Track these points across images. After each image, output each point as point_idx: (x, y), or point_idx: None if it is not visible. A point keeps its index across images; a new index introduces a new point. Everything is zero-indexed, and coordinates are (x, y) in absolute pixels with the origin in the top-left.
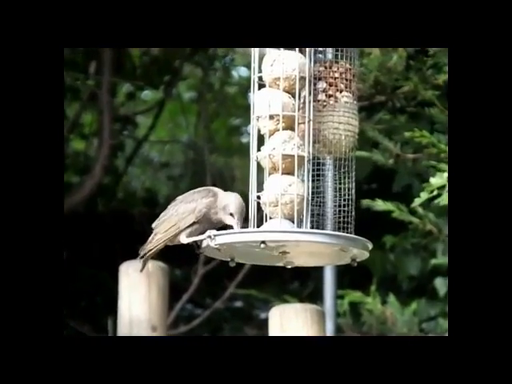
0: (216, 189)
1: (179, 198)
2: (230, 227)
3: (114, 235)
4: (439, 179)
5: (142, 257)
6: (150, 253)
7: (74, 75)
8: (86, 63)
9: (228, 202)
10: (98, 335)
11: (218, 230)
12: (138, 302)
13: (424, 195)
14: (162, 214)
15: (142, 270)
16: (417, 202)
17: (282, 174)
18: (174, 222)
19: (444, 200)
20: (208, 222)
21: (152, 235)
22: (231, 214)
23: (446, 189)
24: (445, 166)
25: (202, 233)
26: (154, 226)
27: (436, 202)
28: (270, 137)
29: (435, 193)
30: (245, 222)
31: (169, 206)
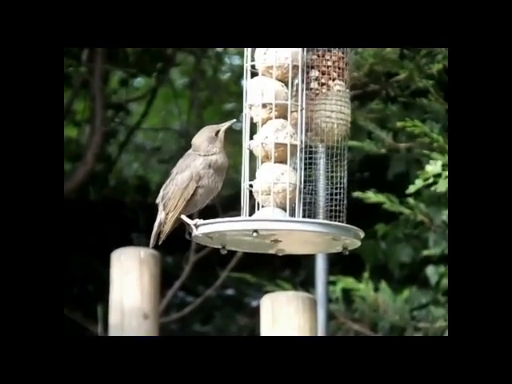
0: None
1: (173, 170)
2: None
3: (106, 223)
4: (434, 167)
5: (158, 238)
6: (167, 231)
7: (67, 62)
8: (78, 50)
9: (199, 139)
10: (90, 322)
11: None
12: (130, 289)
13: (419, 182)
14: (164, 190)
15: (152, 247)
16: (412, 189)
17: (275, 162)
18: (179, 195)
19: (440, 187)
20: (215, 173)
21: (162, 215)
22: (216, 134)
23: (443, 176)
24: (437, 155)
25: (211, 191)
26: (157, 201)
27: (432, 189)
28: (262, 125)
29: (431, 180)
30: (237, 211)
31: (167, 182)
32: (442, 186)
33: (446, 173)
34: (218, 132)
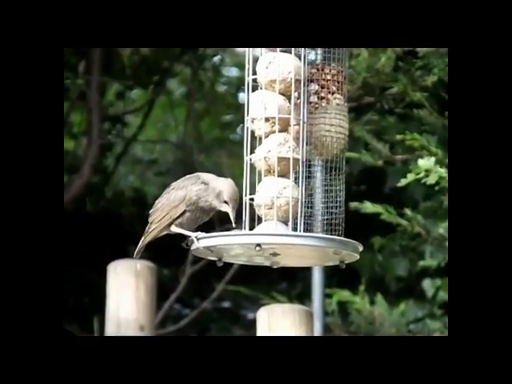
0: (206, 175)
1: (173, 184)
2: (225, 214)
3: (102, 235)
4: (427, 162)
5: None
6: (147, 241)
7: (64, 75)
8: (75, 62)
9: (222, 188)
10: (86, 335)
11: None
12: (126, 301)
13: (411, 176)
14: (157, 200)
15: (135, 257)
16: (403, 182)
17: (277, 176)
18: (166, 211)
19: (430, 179)
20: (200, 210)
21: (149, 224)
22: (225, 202)
23: (433, 171)
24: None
25: (195, 221)
26: (150, 212)
27: (422, 181)
28: (264, 139)
29: (422, 175)
30: (238, 221)
31: (163, 193)
32: (432, 179)
33: (438, 168)
34: (226, 202)
